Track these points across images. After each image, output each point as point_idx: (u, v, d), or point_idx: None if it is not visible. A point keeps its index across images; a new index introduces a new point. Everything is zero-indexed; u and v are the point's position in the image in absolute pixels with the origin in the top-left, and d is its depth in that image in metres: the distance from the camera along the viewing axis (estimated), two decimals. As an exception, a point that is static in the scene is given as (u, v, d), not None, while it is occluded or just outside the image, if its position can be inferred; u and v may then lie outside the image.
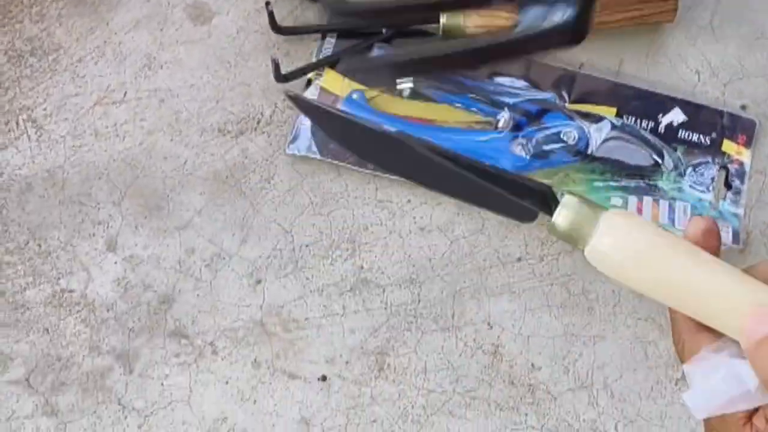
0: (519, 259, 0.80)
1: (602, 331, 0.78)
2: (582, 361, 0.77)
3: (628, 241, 0.54)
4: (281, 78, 0.82)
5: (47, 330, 0.78)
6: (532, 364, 0.77)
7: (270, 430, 0.76)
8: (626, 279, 0.55)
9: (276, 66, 0.81)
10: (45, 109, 0.84)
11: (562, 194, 0.56)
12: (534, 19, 0.79)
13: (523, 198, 0.58)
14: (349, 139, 0.62)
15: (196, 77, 0.85)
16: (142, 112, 0.84)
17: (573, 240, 0.56)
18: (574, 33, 0.78)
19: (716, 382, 0.52)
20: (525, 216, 0.58)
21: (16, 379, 0.77)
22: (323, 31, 0.86)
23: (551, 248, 0.80)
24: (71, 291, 0.79)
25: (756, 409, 0.52)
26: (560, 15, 0.77)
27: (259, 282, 0.80)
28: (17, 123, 0.83)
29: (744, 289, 0.53)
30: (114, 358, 0.77)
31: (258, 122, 0.84)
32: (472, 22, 0.83)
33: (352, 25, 0.86)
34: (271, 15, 0.82)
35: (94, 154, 0.83)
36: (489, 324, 0.78)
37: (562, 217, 0.56)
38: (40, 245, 0.80)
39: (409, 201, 0.82)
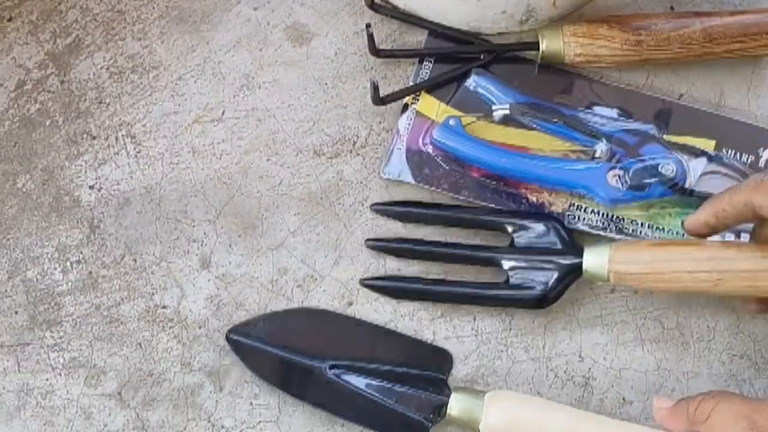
0: (612, 291, 0.80)
1: (696, 367, 0.77)
2: (675, 396, 0.75)
3: (513, 414, 0.71)
4: (379, 101, 0.82)
5: (140, 345, 0.79)
6: (624, 398, 0.76)
7: (358, 454, 0.76)
8: None
9: (375, 88, 0.81)
10: (144, 126, 0.85)
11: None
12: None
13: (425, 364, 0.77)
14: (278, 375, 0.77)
15: (294, 98, 0.86)
16: (239, 131, 0.85)
17: (468, 424, 0.73)
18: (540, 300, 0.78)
19: None
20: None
21: (109, 392, 0.78)
22: (421, 55, 0.86)
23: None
24: (165, 307, 0.80)
25: None
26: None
27: (350, 304, 0.80)
28: (117, 138, 0.85)
29: None
30: (205, 375, 0.78)
31: (354, 144, 0.84)
32: (572, 50, 0.82)
33: (450, 50, 0.86)
34: (370, 38, 0.83)
35: (191, 171, 0.84)
36: (580, 356, 0.78)
37: (452, 409, 0.73)
38: (135, 260, 0.81)
39: (502, 228, 0.81)
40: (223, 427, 0.77)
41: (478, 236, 0.81)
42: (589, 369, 0.77)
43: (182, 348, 0.79)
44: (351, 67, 0.87)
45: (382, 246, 0.81)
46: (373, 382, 0.76)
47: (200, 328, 0.79)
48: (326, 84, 0.86)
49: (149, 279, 0.81)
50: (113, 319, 0.80)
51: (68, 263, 0.81)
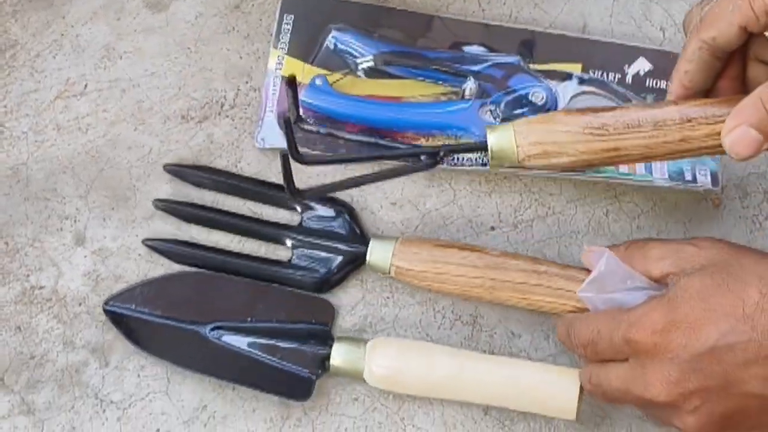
0: (492, 228, 0.80)
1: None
2: (562, 326, 0.76)
3: (396, 360, 0.72)
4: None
5: (19, 328, 0.77)
6: (512, 332, 0.77)
7: (250, 416, 0.75)
8: (404, 388, 0.73)
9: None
10: (5, 107, 0.83)
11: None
12: None
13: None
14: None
15: (157, 65, 0.84)
16: (103, 103, 0.83)
17: (352, 374, 0.73)
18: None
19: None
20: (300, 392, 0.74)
21: (-10, 379, 0.76)
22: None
23: (524, 214, 0.80)
24: (41, 287, 0.78)
25: None
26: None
27: (231, 267, 0.79)
28: (-23, 122, 0.82)
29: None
30: (89, 352, 0.76)
31: (222, 106, 0.83)
32: None
33: None
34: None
35: (57, 148, 0.82)
36: (466, 294, 0.78)
37: (334, 359, 0.73)
38: (7, 243, 0.79)
39: (378, 176, 0.81)
40: (111, 402, 0.75)
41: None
42: (476, 308, 0.77)
43: (63, 327, 0.77)
44: (213, 30, 0.85)
45: (171, 208, 0.80)
46: (256, 341, 0.75)
47: (80, 305, 0.78)
48: (189, 48, 0.85)
49: (23, 261, 0.79)
50: (-11, 305, 0.78)
51: (-63, 253, 0.79)
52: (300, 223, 0.80)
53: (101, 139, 0.82)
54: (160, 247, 0.79)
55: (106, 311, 0.77)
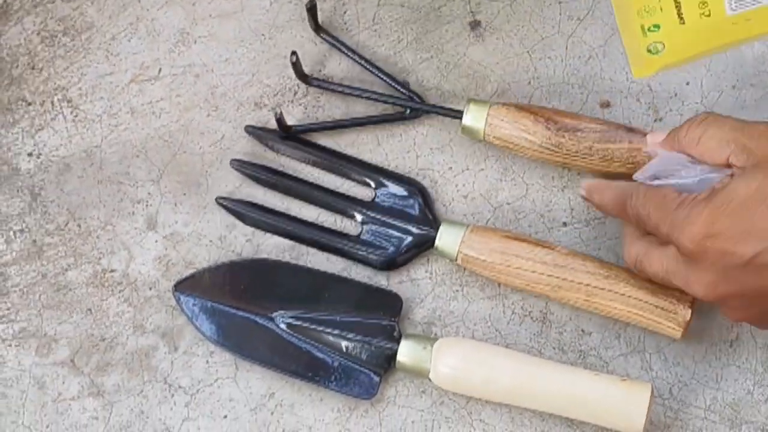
0: (565, 224, 0.79)
1: (653, 294, 0.77)
2: (632, 327, 0.75)
3: (463, 362, 0.72)
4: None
5: (90, 310, 0.78)
6: (582, 330, 0.76)
7: (317, 405, 0.75)
8: (469, 391, 0.73)
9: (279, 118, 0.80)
10: (80, 89, 0.83)
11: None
12: None
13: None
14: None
15: (231, 51, 0.84)
16: (177, 88, 0.83)
17: (418, 372, 0.73)
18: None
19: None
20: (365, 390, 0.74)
21: (61, 360, 0.77)
22: (353, 94, 0.83)
23: (597, 212, 0.79)
24: (113, 271, 0.79)
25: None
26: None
27: (302, 255, 0.79)
28: (53, 104, 0.83)
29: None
30: (158, 336, 0.77)
31: (295, 94, 0.83)
32: (492, 131, 0.78)
33: (380, 98, 0.82)
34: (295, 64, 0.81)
35: (130, 132, 0.82)
36: (537, 290, 0.77)
37: (401, 356, 0.73)
38: (80, 226, 0.80)
39: (450, 168, 0.80)
40: (180, 387, 0.76)
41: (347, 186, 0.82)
42: (546, 304, 0.77)
43: (133, 311, 0.78)
44: (288, 16, 0.85)
45: (247, 171, 0.80)
46: (322, 334, 0.75)
47: (150, 289, 0.78)
48: (263, 35, 0.85)
49: (95, 243, 0.79)
50: (61, 287, 0.78)
51: (11, 233, 0.80)
52: (373, 200, 0.80)
53: (174, 124, 0.82)
54: (233, 206, 0.80)
55: (175, 296, 0.77)
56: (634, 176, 0.70)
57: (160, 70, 0.84)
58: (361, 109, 0.82)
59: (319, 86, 0.83)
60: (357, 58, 0.83)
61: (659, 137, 0.71)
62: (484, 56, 0.83)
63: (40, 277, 0.79)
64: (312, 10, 0.82)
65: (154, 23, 0.85)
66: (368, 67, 0.83)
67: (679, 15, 0.68)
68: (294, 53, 0.80)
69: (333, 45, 0.84)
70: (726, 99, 0.80)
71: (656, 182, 0.69)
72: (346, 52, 0.83)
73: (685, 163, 0.68)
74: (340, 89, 0.82)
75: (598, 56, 0.83)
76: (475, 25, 0.84)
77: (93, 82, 0.83)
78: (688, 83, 0.81)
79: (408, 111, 0.82)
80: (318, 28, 0.84)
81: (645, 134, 0.75)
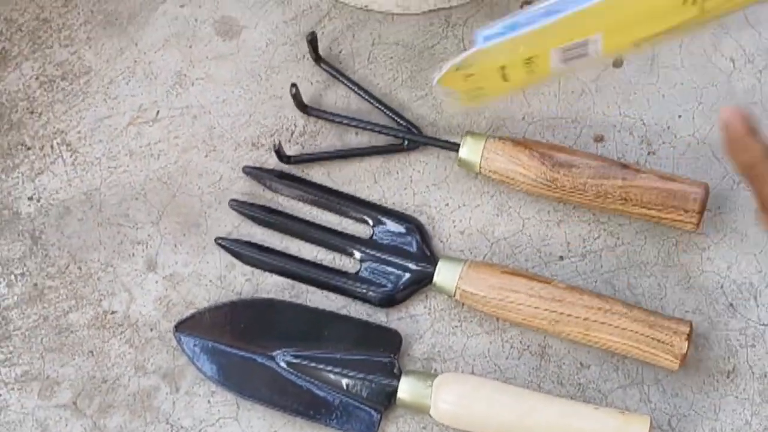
0: (561, 258, 0.80)
1: (650, 326, 0.78)
2: (630, 360, 0.75)
3: (463, 398, 0.72)
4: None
5: (92, 353, 0.78)
6: (581, 363, 0.77)
7: (319, 443, 0.76)
8: (470, 426, 0.73)
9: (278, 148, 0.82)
10: (79, 132, 0.84)
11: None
12: None
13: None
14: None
15: (228, 92, 0.85)
16: (175, 129, 0.84)
17: (419, 409, 0.73)
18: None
19: None
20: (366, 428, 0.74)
21: (64, 403, 0.77)
22: (350, 125, 0.85)
23: (593, 245, 0.79)
24: (114, 312, 0.79)
25: None
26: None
27: (302, 293, 0.80)
28: (52, 147, 0.84)
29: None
30: (160, 377, 0.77)
31: (291, 133, 0.84)
32: (488, 165, 0.80)
33: (378, 130, 0.85)
34: (296, 96, 0.83)
35: (129, 174, 0.83)
36: (535, 325, 0.78)
37: (402, 393, 0.73)
38: (80, 268, 0.81)
39: (447, 204, 0.81)
40: (182, 427, 0.76)
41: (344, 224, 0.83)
42: (544, 338, 0.77)
43: (135, 352, 0.78)
44: (283, 57, 0.86)
45: (246, 211, 0.81)
46: (322, 372, 0.76)
47: (152, 330, 0.79)
48: (259, 76, 0.86)
49: (96, 285, 0.80)
50: (63, 329, 0.79)
51: (12, 276, 0.81)
52: (371, 237, 0.81)
53: (173, 166, 0.83)
54: (232, 246, 0.80)
55: (176, 336, 0.77)
56: None
57: (158, 112, 0.85)
58: (357, 144, 0.83)
59: (318, 116, 0.84)
60: (356, 89, 0.84)
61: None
62: (478, 93, 0.84)
63: (41, 320, 0.79)
64: (313, 42, 0.84)
65: (152, 66, 0.86)
66: (366, 97, 0.84)
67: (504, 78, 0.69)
68: (294, 85, 0.81)
69: (333, 75, 0.85)
70: (717, 131, 0.81)
71: None
72: (345, 82, 0.85)
73: None
74: (338, 120, 0.84)
75: (591, 91, 0.84)
76: (468, 62, 0.85)
77: (92, 125, 0.85)
78: (680, 116, 0.82)
79: (406, 143, 0.83)
80: (318, 59, 0.85)
81: (638, 171, 0.76)
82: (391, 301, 0.79)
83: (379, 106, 0.83)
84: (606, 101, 0.83)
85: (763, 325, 0.76)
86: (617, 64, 0.84)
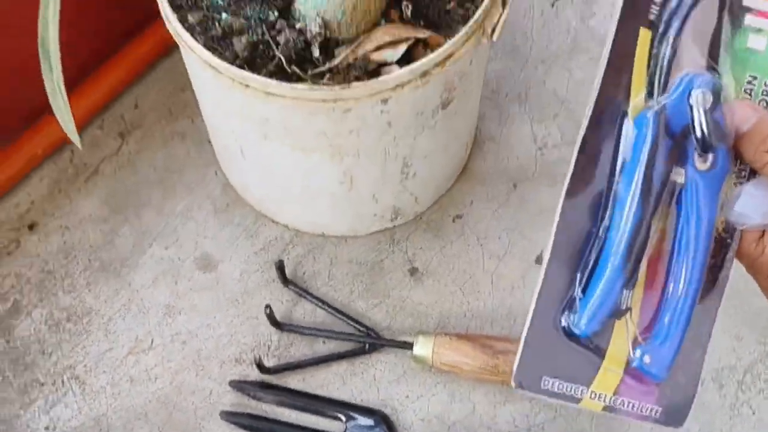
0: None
1: None
2: None
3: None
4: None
5: None
6: None
7: None
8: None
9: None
10: (85, 366, 0.96)
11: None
12: None
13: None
14: None
15: (210, 318, 0.98)
16: (168, 355, 0.97)
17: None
18: None
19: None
20: None
21: None
22: (318, 335, 0.98)
23: (536, 418, 0.92)
24: None
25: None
26: None
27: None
28: (63, 381, 0.96)
29: None
30: None
31: (268, 348, 0.97)
32: (439, 358, 0.92)
33: (343, 337, 0.99)
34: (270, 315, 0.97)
35: (131, 398, 0.95)
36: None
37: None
38: (94, 486, 0.92)
39: (407, 396, 0.94)
40: None
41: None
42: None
43: None
44: (256, 283, 1.00)
45: (235, 420, 0.93)
46: None
47: None
48: (237, 300, 0.99)
49: (109, 500, 0.91)
50: None
51: (36, 499, 0.92)
52: (344, 431, 0.93)
53: (168, 387, 0.95)
54: None
55: None
56: None
57: (152, 341, 0.98)
58: (325, 351, 0.96)
59: (290, 330, 0.97)
60: (320, 303, 0.98)
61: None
62: (423, 297, 0.98)
63: None
64: (280, 267, 0.97)
65: (144, 302, 0.99)
66: (329, 309, 0.98)
67: None
68: (268, 306, 0.95)
69: (299, 294, 0.99)
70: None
71: None
72: (310, 299, 0.98)
73: None
74: (308, 331, 0.97)
75: (520, 287, 0.98)
76: (413, 271, 1.00)
77: (96, 358, 0.97)
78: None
79: (367, 346, 0.96)
80: (286, 281, 0.99)
81: None
82: None
83: (341, 317, 0.97)
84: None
85: None
86: (539, 260, 0.98)
